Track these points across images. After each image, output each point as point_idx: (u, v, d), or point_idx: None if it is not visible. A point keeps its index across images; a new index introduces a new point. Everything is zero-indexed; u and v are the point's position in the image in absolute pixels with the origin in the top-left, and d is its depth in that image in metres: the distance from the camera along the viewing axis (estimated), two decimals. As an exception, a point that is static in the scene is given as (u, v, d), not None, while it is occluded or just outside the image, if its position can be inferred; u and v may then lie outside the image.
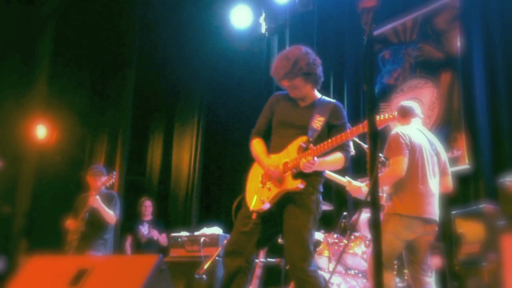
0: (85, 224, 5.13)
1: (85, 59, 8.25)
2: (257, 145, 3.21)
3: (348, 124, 3.20)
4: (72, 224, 5.23)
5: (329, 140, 2.98)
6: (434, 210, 3.49)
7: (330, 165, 3.11)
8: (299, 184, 2.97)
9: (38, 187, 7.51)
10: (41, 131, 7.75)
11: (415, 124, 3.73)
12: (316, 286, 2.90)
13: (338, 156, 3.07)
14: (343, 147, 3.10)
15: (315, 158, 2.93)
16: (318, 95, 3.29)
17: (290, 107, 3.23)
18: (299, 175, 3.00)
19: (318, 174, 3.13)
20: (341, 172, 3.86)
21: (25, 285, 2.43)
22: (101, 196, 5.25)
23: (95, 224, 5.16)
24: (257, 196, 3.08)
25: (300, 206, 3.01)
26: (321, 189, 3.18)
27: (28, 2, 7.87)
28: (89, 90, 8.41)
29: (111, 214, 5.20)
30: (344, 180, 3.80)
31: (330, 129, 3.13)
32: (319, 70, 3.22)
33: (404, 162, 3.42)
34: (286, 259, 3.09)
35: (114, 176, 5.36)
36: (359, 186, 3.69)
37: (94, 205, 5.10)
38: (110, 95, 8.39)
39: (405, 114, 3.75)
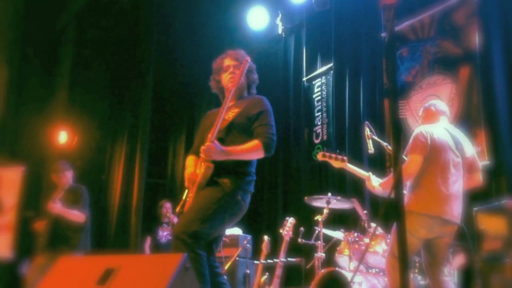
0: (50, 226, 5.06)
1: (104, 64, 8.36)
2: (188, 162, 3.26)
3: (271, 113, 3.16)
4: (39, 226, 5.18)
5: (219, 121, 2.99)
6: (454, 212, 3.44)
7: (242, 152, 3.01)
8: (206, 167, 2.95)
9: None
10: (62, 137, 7.88)
11: (442, 122, 3.69)
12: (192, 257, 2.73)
13: (253, 143, 3.03)
14: (261, 134, 3.05)
15: (215, 143, 2.93)
16: (247, 94, 3.35)
17: (215, 114, 3.23)
18: (218, 170, 2.98)
19: (241, 171, 3.05)
20: (362, 167, 3.88)
21: (54, 285, 2.49)
22: (66, 193, 5.18)
23: (60, 225, 5.06)
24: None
25: (210, 194, 2.98)
26: (248, 189, 3.09)
27: (48, 11, 8.00)
28: (108, 95, 8.52)
29: (76, 214, 5.07)
30: (366, 174, 3.80)
31: (248, 119, 3.10)
32: (256, 77, 3.37)
33: (418, 161, 3.40)
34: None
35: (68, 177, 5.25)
36: (373, 186, 3.69)
37: (53, 212, 5.01)
38: (129, 99, 8.49)
39: (428, 114, 3.74)
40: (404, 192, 3.65)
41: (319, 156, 4.09)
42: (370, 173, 3.80)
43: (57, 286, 2.47)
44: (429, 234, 3.42)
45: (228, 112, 3.15)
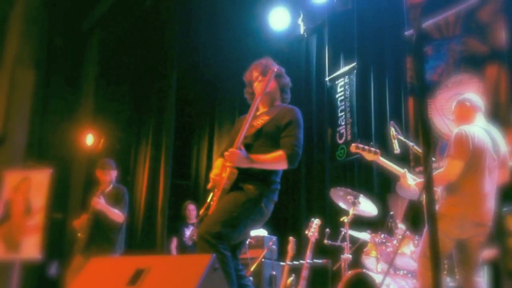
0: (91, 223, 5.12)
1: (128, 67, 8.47)
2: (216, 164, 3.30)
3: (300, 125, 3.16)
4: (78, 224, 5.25)
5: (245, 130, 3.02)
6: (488, 215, 3.42)
7: (266, 162, 3.04)
8: (230, 173, 2.98)
9: (88, 193, 7.75)
10: (89, 139, 8.00)
11: (479, 121, 3.62)
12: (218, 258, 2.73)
13: (277, 153, 3.04)
14: (287, 145, 3.06)
15: (241, 149, 2.97)
16: (280, 102, 3.35)
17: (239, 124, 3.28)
18: (244, 176, 3.01)
19: (266, 178, 3.08)
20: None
21: (85, 286, 2.53)
22: (108, 192, 5.25)
23: (101, 223, 5.12)
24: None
25: (235, 198, 3.01)
26: (272, 197, 3.12)
27: (73, 16, 8.15)
28: (133, 97, 8.62)
29: (117, 213, 5.14)
30: (401, 171, 3.75)
31: (277, 128, 3.12)
32: (288, 82, 3.36)
33: (459, 167, 3.35)
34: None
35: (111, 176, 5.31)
36: (409, 184, 3.64)
37: (97, 207, 5.08)
38: (153, 100, 8.58)
39: (463, 110, 3.66)
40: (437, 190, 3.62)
41: (352, 148, 4.07)
42: (406, 170, 3.75)
43: (88, 287, 2.52)
44: (462, 235, 3.38)
45: (258, 119, 3.19)
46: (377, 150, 3.96)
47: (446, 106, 5.48)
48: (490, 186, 3.46)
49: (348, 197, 4.69)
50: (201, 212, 3.13)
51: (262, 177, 3.08)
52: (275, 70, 3.18)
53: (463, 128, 3.49)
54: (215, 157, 8.49)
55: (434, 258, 1.65)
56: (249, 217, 3.02)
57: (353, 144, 4.08)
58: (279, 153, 3.06)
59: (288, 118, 3.16)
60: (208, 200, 3.12)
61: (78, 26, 8.26)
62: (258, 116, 3.23)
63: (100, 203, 5.10)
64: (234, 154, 2.98)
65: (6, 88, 7.42)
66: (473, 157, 3.39)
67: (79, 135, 8.05)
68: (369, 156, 3.98)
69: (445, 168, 3.41)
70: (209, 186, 3.17)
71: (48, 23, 7.93)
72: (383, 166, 3.94)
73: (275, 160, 3.05)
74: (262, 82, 3.23)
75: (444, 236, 3.33)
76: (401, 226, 4.45)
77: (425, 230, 3.47)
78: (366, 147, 3.98)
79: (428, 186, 1.79)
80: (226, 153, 3.03)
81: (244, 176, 3.04)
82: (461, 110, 3.69)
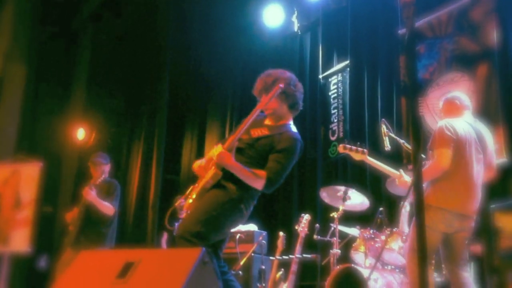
0: (82, 216, 5.10)
1: (120, 63, 8.43)
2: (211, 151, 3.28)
3: (294, 157, 3.13)
4: (70, 217, 5.24)
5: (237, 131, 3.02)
6: (473, 207, 3.45)
7: (246, 175, 3.02)
8: (214, 174, 3.00)
9: (78, 186, 7.74)
10: (80, 134, 7.97)
11: (465, 116, 3.65)
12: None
13: (260, 173, 3.03)
14: (272, 170, 3.04)
15: (228, 152, 2.97)
16: (290, 123, 3.28)
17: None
18: (227, 175, 3.03)
19: (247, 186, 3.07)
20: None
21: (75, 279, 2.53)
22: (101, 185, 5.24)
23: (92, 217, 5.11)
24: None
25: (215, 196, 3.03)
26: (252, 200, 3.13)
27: (65, 11, 8.10)
28: (125, 93, 8.60)
29: (107, 206, 5.12)
30: (397, 173, 3.77)
31: (270, 148, 3.09)
32: (298, 95, 3.25)
33: (448, 155, 3.37)
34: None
35: (103, 170, 5.27)
36: (407, 181, 3.66)
37: (88, 198, 5.07)
38: (146, 96, 8.56)
39: (452, 107, 3.69)
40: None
41: (340, 148, 4.09)
42: (402, 171, 3.76)
43: (77, 280, 2.52)
44: (448, 229, 3.41)
45: (259, 130, 3.17)
46: (365, 150, 3.97)
47: (437, 104, 5.50)
48: (476, 178, 3.48)
49: (338, 193, 4.72)
50: (176, 203, 3.13)
51: (248, 186, 3.09)
52: (278, 90, 3.08)
53: (445, 121, 3.53)
54: (207, 153, 8.48)
55: (421, 251, 1.68)
56: (229, 218, 3.05)
57: (340, 145, 4.10)
58: (262, 173, 3.04)
59: (285, 145, 3.12)
60: (187, 192, 3.12)
61: (69, 22, 8.21)
62: (261, 126, 3.21)
63: (91, 194, 5.09)
64: (224, 155, 2.98)
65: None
66: (457, 147, 3.42)
67: (70, 129, 8.02)
68: (357, 156, 4.00)
69: (436, 159, 3.43)
70: (193, 168, 3.22)
71: (39, 19, 7.88)
72: (372, 166, 3.97)
73: (254, 177, 3.04)
74: (262, 101, 3.19)
75: (430, 230, 3.35)
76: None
77: (413, 224, 3.50)
78: (354, 147, 4.00)
79: (417, 182, 1.81)
80: (218, 147, 3.04)
81: (228, 175, 3.05)
82: (450, 107, 3.73)
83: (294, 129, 3.28)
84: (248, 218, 5.94)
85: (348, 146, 4.02)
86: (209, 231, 2.95)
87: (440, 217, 3.37)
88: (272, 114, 3.24)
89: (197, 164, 3.21)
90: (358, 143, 4.10)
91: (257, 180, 3.03)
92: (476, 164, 3.49)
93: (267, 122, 3.27)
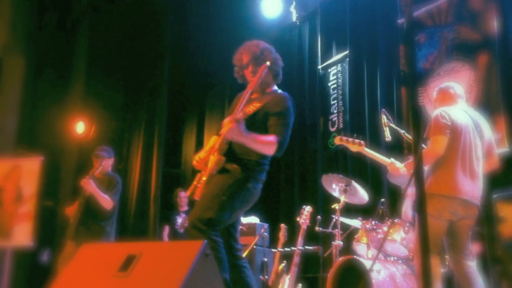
0: (82, 208, 5.06)
1: (120, 55, 8.40)
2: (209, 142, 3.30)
3: (291, 114, 3.15)
4: (71, 211, 5.21)
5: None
6: (475, 193, 3.44)
7: (258, 141, 3.04)
8: (218, 160, 3.00)
9: (79, 180, 7.74)
10: (80, 127, 7.95)
11: (460, 104, 3.66)
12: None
13: (269, 138, 3.05)
14: (278, 132, 3.06)
15: (241, 122, 2.95)
16: (274, 88, 3.33)
17: (238, 100, 3.27)
18: (229, 158, 3.04)
19: (251, 159, 3.09)
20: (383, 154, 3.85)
21: (77, 272, 2.53)
22: (102, 178, 5.21)
23: (91, 210, 5.08)
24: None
25: (223, 179, 3.03)
26: (259, 177, 3.13)
27: (63, 5, 8.06)
28: (125, 85, 8.57)
29: (106, 199, 5.07)
30: (388, 161, 3.77)
31: (267, 116, 3.12)
32: (280, 64, 3.33)
33: (443, 141, 3.38)
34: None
35: (102, 164, 5.23)
36: (398, 167, 3.66)
37: (87, 188, 5.02)
38: (145, 89, 8.53)
39: (446, 96, 3.69)
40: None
41: (337, 140, 4.09)
42: (392, 159, 3.77)
43: (79, 273, 2.51)
44: (453, 216, 3.41)
45: (250, 106, 3.18)
46: (362, 142, 3.97)
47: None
48: (475, 164, 3.48)
49: (340, 184, 4.70)
50: (187, 194, 3.14)
51: (248, 158, 3.10)
52: (265, 70, 3.13)
53: (441, 109, 3.54)
54: (206, 144, 8.47)
55: (423, 241, 1.67)
56: (237, 199, 3.04)
57: (337, 137, 4.09)
58: (271, 137, 3.06)
59: (279, 106, 3.16)
60: (195, 182, 3.12)
61: (68, 13, 8.17)
62: (251, 101, 3.22)
63: (89, 183, 5.04)
64: (232, 125, 2.96)
65: (-4, 76, 7.36)
66: (453, 134, 3.42)
67: (70, 123, 8.00)
68: (354, 148, 3.99)
69: (430, 145, 3.44)
70: (194, 164, 3.21)
71: (37, 10, 7.84)
72: (369, 157, 3.96)
73: (266, 143, 3.06)
74: (255, 76, 3.19)
75: (435, 220, 3.34)
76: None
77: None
78: (350, 139, 3.99)
79: (418, 172, 1.79)
80: (225, 120, 3.03)
81: (230, 157, 3.06)
82: (444, 96, 3.72)
83: (279, 91, 3.34)
84: (249, 210, 5.99)
85: (344, 138, 4.02)
86: (220, 216, 2.95)
87: (444, 205, 3.37)
88: (260, 85, 3.26)
89: (196, 157, 3.20)
90: (355, 134, 4.09)
91: (269, 145, 3.05)
92: (474, 151, 3.49)
93: (254, 95, 3.28)
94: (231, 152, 3.07)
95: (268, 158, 3.20)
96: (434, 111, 3.62)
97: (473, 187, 3.44)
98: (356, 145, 3.97)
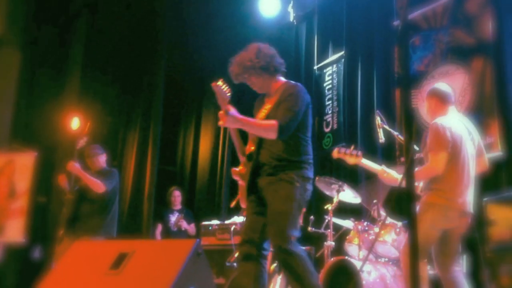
0: (75, 202, 5.04)
1: (116, 51, 8.38)
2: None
3: (300, 97, 3.20)
4: (63, 180, 5.12)
5: None
6: (470, 205, 3.50)
7: (255, 125, 3.15)
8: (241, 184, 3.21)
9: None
10: (74, 123, 7.91)
11: (452, 113, 3.66)
12: (298, 261, 2.95)
13: (270, 122, 3.11)
14: (281, 117, 3.10)
15: (230, 110, 3.03)
16: (281, 80, 3.38)
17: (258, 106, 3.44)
18: (280, 163, 3.12)
19: (297, 160, 3.15)
20: (375, 160, 3.87)
21: (68, 269, 2.54)
22: (99, 173, 5.18)
23: (88, 203, 5.05)
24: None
25: (281, 194, 3.07)
26: (308, 175, 3.18)
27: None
28: (121, 82, 8.54)
29: (96, 182, 4.99)
30: (378, 168, 3.79)
31: (279, 105, 3.18)
32: (268, 58, 3.33)
33: (444, 159, 3.40)
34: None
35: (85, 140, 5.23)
36: (394, 177, 3.67)
37: (73, 171, 4.96)
38: (141, 86, 8.51)
39: (443, 99, 3.69)
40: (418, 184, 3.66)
41: (334, 154, 4.11)
42: (383, 166, 3.78)
43: (71, 270, 2.53)
44: (448, 225, 3.45)
45: (261, 111, 3.28)
46: (359, 153, 3.98)
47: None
48: (471, 175, 3.54)
49: (333, 186, 4.73)
50: (231, 205, 3.33)
51: (294, 159, 3.15)
52: (215, 84, 3.20)
53: (438, 121, 3.54)
54: (202, 144, 8.48)
55: (412, 246, 1.68)
56: (300, 205, 3.13)
57: (335, 149, 4.10)
58: (272, 122, 3.10)
59: (287, 93, 3.21)
60: (239, 193, 3.27)
61: (65, 8, 8.14)
62: (263, 104, 3.36)
63: (75, 166, 4.99)
64: (229, 116, 3.04)
65: (-9, 70, 7.33)
66: (453, 147, 3.45)
67: (65, 118, 7.96)
68: (351, 160, 4.02)
69: (430, 162, 3.45)
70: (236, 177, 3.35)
71: (34, 4, 7.81)
72: (366, 168, 3.98)
73: (265, 126, 3.12)
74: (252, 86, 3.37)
75: (431, 228, 3.38)
76: (382, 213, 4.49)
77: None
78: (348, 151, 4.01)
79: (408, 174, 1.81)
80: (220, 113, 3.10)
81: (281, 165, 3.11)
82: (434, 104, 3.71)
83: (289, 81, 3.38)
84: (242, 210, 5.97)
85: (342, 150, 4.04)
86: (294, 231, 3.03)
87: (443, 215, 3.42)
88: (261, 88, 3.35)
89: (236, 171, 3.32)
90: (352, 145, 4.10)
91: (269, 128, 3.09)
92: (471, 160, 3.54)
93: (266, 97, 3.38)
94: (279, 158, 3.13)
95: (309, 154, 3.23)
96: (431, 121, 3.61)
97: (470, 198, 3.51)
98: (353, 157, 3.99)
